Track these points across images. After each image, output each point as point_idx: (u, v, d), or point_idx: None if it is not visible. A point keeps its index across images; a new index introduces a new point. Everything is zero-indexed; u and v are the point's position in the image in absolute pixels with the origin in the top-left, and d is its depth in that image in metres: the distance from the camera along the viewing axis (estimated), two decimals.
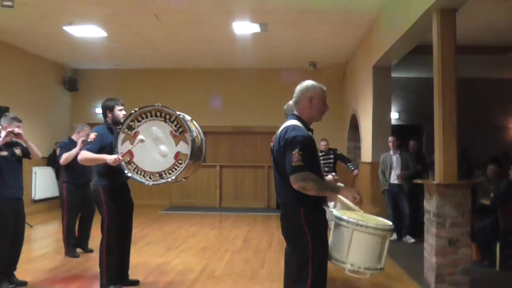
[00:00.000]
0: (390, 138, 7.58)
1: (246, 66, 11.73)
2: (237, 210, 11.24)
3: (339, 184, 3.84)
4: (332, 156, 9.04)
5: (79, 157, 4.44)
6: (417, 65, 9.84)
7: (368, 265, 3.00)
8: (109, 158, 4.27)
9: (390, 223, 3.25)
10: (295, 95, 3.12)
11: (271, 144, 3.26)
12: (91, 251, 6.40)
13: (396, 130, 8.70)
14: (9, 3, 6.32)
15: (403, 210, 7.47)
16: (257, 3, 7.15)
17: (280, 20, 7.93)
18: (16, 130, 4.70)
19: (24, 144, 4.88)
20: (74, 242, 6.32)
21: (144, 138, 4.27)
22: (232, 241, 7.46)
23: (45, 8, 7.39)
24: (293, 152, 2.82)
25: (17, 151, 4.83)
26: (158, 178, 4.29)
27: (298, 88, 3.12)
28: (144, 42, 9.53)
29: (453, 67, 4.99)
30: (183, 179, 4.58)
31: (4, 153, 4.69)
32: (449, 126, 4.94)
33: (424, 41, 6.40)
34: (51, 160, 10.58)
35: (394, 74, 8.74)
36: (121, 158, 4.25)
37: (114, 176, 4.42)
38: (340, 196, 3.06)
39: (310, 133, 3.03)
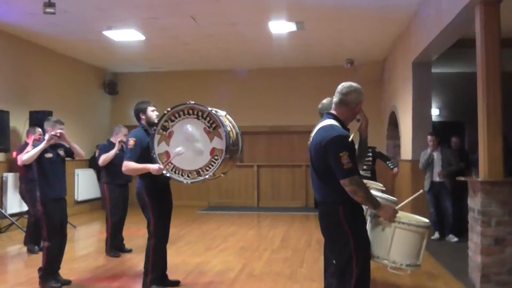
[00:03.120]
0: (429, 138, 7.39)
1: (282, 65, 11.70)
2: (275, 209, 11.23)
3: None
4: (370, 154, 8.90)
5: (123, 168, 4.48)
6: (459, 60, 9.57)
7: (409, 262, 3.06)
8: (153, 167, 4.31)
9: (427, 220, 3.26)
10: (342, 96, 3.07)
11: (309, 143, 3.24)
12: (130, 251, 6.52)
13: (437, 127, 8.49)
14: (51, 10, 6.50)
15: (446, 208, 7.28)
16: (293, 2, 7.11)
17: (316, 18, 7.87)
18: (59, 131, 4.85)
19: (67, 145, 5.03)
20: (116, 242, 6.45)
21: (183, 151, 4.28)
22: (270, 241, 7.45)
23: (85, 14, 7.59)
24: (341, 154, 2.80)
25: (61, 152, 4.99)
26: (196, 175, 4.30)
27: (348, 90, 3.07)
28: (180, 45, 9.65)
29: (498, 61, 4.81)
30: (222, 175, 4.58)
31: (50, 155, 4.86)
32: (494, 122, 4.77)
33: (466, 34, 6.20)
34: (93, 162, 10.87)
35: (434, 70, 8.51)
36: (162, 167, 4.28)
37: (156, 177, 4.46)
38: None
39: (348, 133, 3.00)
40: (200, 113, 4.30)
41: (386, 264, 3.05)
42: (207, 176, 4.28)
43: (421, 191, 3.70)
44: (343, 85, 3.10)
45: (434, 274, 5.37)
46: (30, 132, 6.72)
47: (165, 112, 4.34)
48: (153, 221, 4.51)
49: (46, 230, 4.82)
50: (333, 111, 3.11)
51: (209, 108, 4.29)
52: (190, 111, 4.31)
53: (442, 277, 5.29)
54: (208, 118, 4.28)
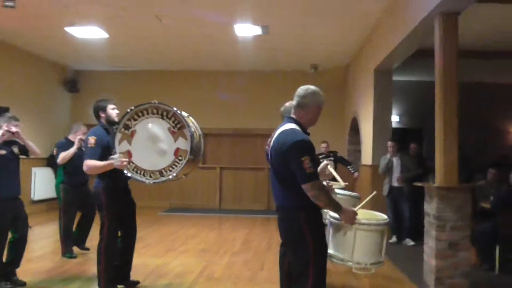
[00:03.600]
0: (389, 143, 7.58)
1: (248, 68, 11.73)
2: (237, 212, 11.23)
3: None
4: (332, 158, 9.04)
5: (85, 168, 4.35)
6: (419, 68, 9.84)
7: (373, 260, 3.11)
8: (116, 162, 4.22)
9: (385, 216, 3.33)
10: (299, 99, 3.06)
11: (266, 147, 3.24)
12: (87, 249, 6.38)
13: (397, 133, 8.71)
14: (11, 4, 6.33)
15: (403, 212, 7.46)
16: (258, 5, 7.15)
17: (281, 22, 7.94)
18: (14, 128, 4.70)
19: (21, 143, 4.87)
20: (72, 243, 6.30)
21: (117, 157, 4.19)
22: (231, 243, 7.44)
23: (46, 9, 7.40)
24: (303, 158, 2.80)
25: (15, 150, 4.83)
26: (159, 176, 4.25)
27: (305, 92, 3.06)
28: (145, 44, 9.54)
29: (455, 71, 4.99)
30: (183, 176, 4.54)
31: (3, 151, 4.69)
32: (450, 130, 4.94)
33: (426, 44, 6.39)
34: (51, 161, 10.58)
35: (395, 78, 8.73)
36: (123, 161, 4.18)
37: (115, 177, 4.38)
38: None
39: (308, 137, 3.02)
40: (164, 113, 4.24)
41: (351, 265, 3.09)
42: (170, 177, 4.23)
43: (374, 192, 3.79)
44: (301, 88, 3.10)
45: (391, 277, 5.49)
46: None
47: (128, 110, 4.25)
48: (106, 223, 4.42)
49: None
50: (292, 115, 3.11)
51: (174, 108, 4.25)
52: (154, 111, 4.25)
53: (398, 280, 5.41)
54: (173, 118, 4.23)
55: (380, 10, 7.14)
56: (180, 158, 4.21)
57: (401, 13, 6.31)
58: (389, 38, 6.95)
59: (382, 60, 7.52)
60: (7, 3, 6.30)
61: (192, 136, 4.18)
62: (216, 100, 11.99)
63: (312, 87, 3.10)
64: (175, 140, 4.23)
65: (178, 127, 4.22)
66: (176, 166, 4.22)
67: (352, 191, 5.29)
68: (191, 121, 4.47)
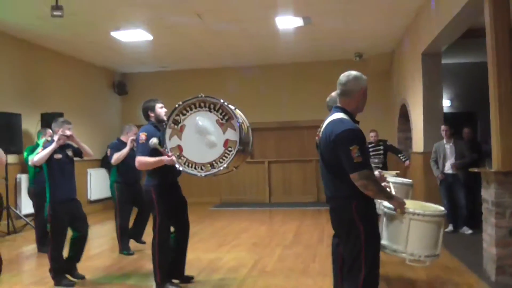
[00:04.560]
0: (443, 127, 7.32)
1: (290, 60, 11.66)
2: (287, 205, 11.22)
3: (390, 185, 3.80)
4: (382, 147, 8.87)
5: (137, 164, 4.45)
6: (469, 49, 9.47)
7: (428, 253, 3.02)
8: (167, 158, 4.30)
9: (442, 208, 3.22)
10: (342, 86, 3.02)
11: (316, 138, 3.22)
12: (144, 242, 6.55)
13: (449, 118, 8.42)
14: (59, 13, 6.52)
15: (459, 200, 7.21)
16: None
17: (323, 12, 7.82)
18: (67, 132, 4.87)
19: (75, 145, 5.05)
20: (128, 240, 6.48)
21: (155, 141, 4.28)
22: (282, 236, 7.44)
23: (92, 16, 7.63)
24: (351, 148, 2.77)
25: (69, 153, 5.03)
26: (210, 168, 4.28)
27: (347, 79, 3.02)
28: (187, 43, 9.66)
29: (508, 50, 4.74)
30: (234, 168, 4.55)
31: (59, 156, 4.89)
32: (506, 112, 4.71)
33: (475, 24, 6.13)
34: (104, 162, 10.94)
35: (444, 61, 8.43)
36: (171, 156, 4.26)
37: (165, 174, 4.45)
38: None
39: (357, 125, 2.97)
40: (212, 106, 4.27)
41: (405, 257, 3.02)
42: (221, 168, 4.25)
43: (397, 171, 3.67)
44: (342, 76, 3.06)
45: (449, 267, 5.32)
46: (41, 134, 6.77)
47: (176, 106, 4.32)
48: (158, 220, 4.50)
49: (51, 231, 4.85)
50: (339, 104, 3.07)
51: (221, 100, 4.27)
52: (202, 104, 4.30)
53: (456, 269, 5.24)
54: (220, 110, 4.26)
55: None
56: (230, 149, 4.23)
57: None
58: (436, 19, 6.70)
59: (430, 43, 7.26)
60: (55, 13, 6.50)
61: (240, 126, 4.19)
62: (260, 94, 12.01)
63: (353, 72, 3.05)
64: (224, 132, 4.26)
65: (226, 119, 4.24)
66: (226, 157, 4.24)
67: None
68: (238, 113, 4.49)
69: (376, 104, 10.73)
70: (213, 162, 4.26)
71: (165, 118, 4.56)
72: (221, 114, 4.25)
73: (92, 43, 9.43)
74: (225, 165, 4.22)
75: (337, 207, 2.99)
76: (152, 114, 4.67)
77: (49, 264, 4.90)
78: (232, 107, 4.43)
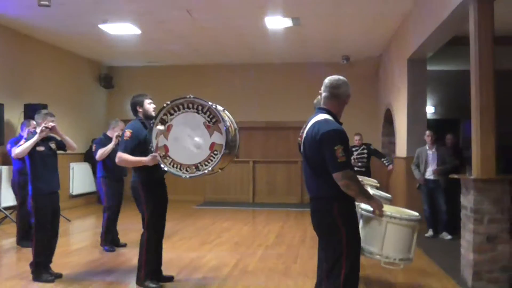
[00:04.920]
0: (427, 133, 7.41)
1: (279, 60, 11.69)
2: (270, 205, 11.25)
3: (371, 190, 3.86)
4: (365, 151, 8.95)
5: (117, 160, 4.45)
6: (454, 57, 9.58)
7: (402, 256, 3.09)
8: (147, 159, 4.29)
9: (417, 213, 3.28)
10: (333, 89, 3.08)
11: (299, 139, 3.26)
12: (125, 245, 6.52)
13: (432, 125, 8.53)
14: (46, 3, 6.47)
15: (440, 206, 7.29)
16: None
17: (312, 13, 7.86)
18: (50, 124, 4.83)
19: (58, 138, 5.01)
20: (112, 236, 6.45)
21: (163, 128, 4.25)
22: (265, 237, 7.46)
23: (81, 6, 7.56)
24: (335, 148, 2.82)
25: (52, 145, 4.98)
26: (195, 170, 4.28)
27: (337, 82, 3.09)
28: (177, 38, 9.62)
29: (491, 58, 4.82)
30: (219, 170, 4.56)
31: (41, 148, 4.84)
32: (487, 120, 4.79)
33: (460, 32, 6.22)
34: (88, 156, 10.85)
35: (429, 67, 8.53)
36: (156, 154, 4.26)
37: (152, 171, 4.44)
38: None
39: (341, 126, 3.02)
40: (200, 107, 4.27)
41: (379, 259, 3.07)
42: (206, 171, 4.25)
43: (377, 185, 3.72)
44: (330, 79, 3.12)
45: (427, 271, 5.39)
46: (24, 125, 6.70)
47: (164, 105, 4.31)
48: (147, 215, 4.49)
49: (35, 224, 4.81)
50: (324, 106, 3.11)
51: (209, 103, 4.27)
52: (190, 105, 4.28)
53: (435, 274, 5.31)
54: (208, 113, 4.25)
55: None
56: (215, 152, 4.24)
57: (434, 1, 6.14)
58: (422, 26, 6.79)
59: (416, 49, 7.36)
60: (42, 2, 6.44)
61: (227, 130, 4.19)
62: (247, 93, 12.02)
63: (342, 78, 3.14)
64: (211, 135, 4.25)
65: (213, 122, 4.24)
66: (211, 160, 4.24)
67: (386, 188, 5.23)
68: (226, 115, 4.48)
69: (361, 108, 10.85)
70: (198, 164, 4.26)
71: (153, 114, 4.54)
72: (208, 116, 4.25)
73: (80, 34, 9.34)
74: (210, 168, 4.23)
75: (319, 207, 3.01)
76: (140, 110, 4.64)
77: (32, 258, 4.85)
78: (221, 108, 4.43)
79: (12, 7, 7.56)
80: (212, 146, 4.24)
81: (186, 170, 4.29)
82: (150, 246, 4.52)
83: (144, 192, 4.49)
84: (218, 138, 4.23)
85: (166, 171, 4.38)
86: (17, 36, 9.06)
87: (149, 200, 4.49)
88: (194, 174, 4.29)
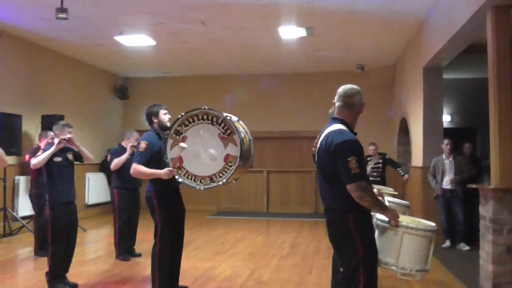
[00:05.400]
0: (446, 141, 7.32)
1: (292, 70, 11.70)
2: (284, 215, 11.19)
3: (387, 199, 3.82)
4: (381, 160, 8.86)
5: (132, 171, 4.43)
6: (471, 65, 9.50)
7: (418, 267, 3.03)
8: (162, 173, 4.27)
9: (433, 223, 3.23)
10: (347, 99, 3.05)
11: (313, 149, 3.23)
12: (139, 255, 6.53)
13: (449, 133, 8.42)
14: (64, 15, 6.56)
15: (457, 216, 7.19)
16: (303, 7, 7.11)
17: (326, 23, 7.86)
18: (68, 136, 4.87)
19: (75, 149, 5.05)
20: (125, 246, 6.46)
21: (185, 146, 4.25)
22: (279, 247, 7.42)
23: (97, 19, 7.66)
24: (349, 159, 2.79)
25: (70, 156, 5.02)
26: (209, 182, 4.26)
27: (351, 92, 3.05)
28: (191, 50, 9.69)
29: (509, 66, 4.76)
30: (233, 181, 4.53)
31: (59, 159, 4.89)
32: (506, 128, 4.71)
33: (477, 40, 6.15)
34: (104, 166, 10.94)
35: (446, 75, 8.45)
36: (173, 169, 4.25)
37: (167, 182, 4.41)
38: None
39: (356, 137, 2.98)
40: (214, 119, 4.25)
41: (395, 270, 3.02)
42: (220, 183, 4.23)
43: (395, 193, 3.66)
44: (344, 88, 3.08)
45: (445, 283, 5.30)
46: (42, 136, 6.79)
47: (179, 116, 4.30)
48: (160, 227, 4.47)
49: (51, 234, 4.84)
50: (338, 116, 3.08)
51: (224, 114, 4.26)
52: (205, 116, 4.26)
53: (452, 286, 5.22)
54: (222, 124, 4.23)
55: (427, 6, 6.93)
56: (230, 164, 4.21)
57: (451, 8, 6.10)
58: (438, 34, 6.73)
59: (432, 58, 7.29)
60: (60, 15, 6.53)
61: (241, 142, 4.17)
62: (261, 103, 12.03)
63: (355, 87, 3.10)
64: (225, 146, 4.23)
65: (228, 133, 4.23)
66: (226, 172, 4.22)
67: (402, 198, 5.16)
68: (241, 126, 4.46)
69: (376, 117, 10.78)
70: (213, 176, 4.24)
71: (168, 124, 4.53)
72: (223, 128, 4.23)
73: (96, 46, 9.47)
74: (224, 180, 4.20)
75: (335, 219, 2.97)
76: (155, 120, 4.64)
77: (48, 268, 4.87)
78: (236, 119, 4.41)
79: (30, 19, 7.69)
80: (227, 157, 4.22)
81: (201, 182, 4.27)
82: (163, 257, 4.48)
83: (158, 203, 4.47)
84: (233, 150, 4.21)
85: (180, 182, 4.37)
86: (35, 48, 9.20)
87: (164, 211, 4.47)
88: (209, 186, 4.27)
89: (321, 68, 11.46)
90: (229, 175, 4.20)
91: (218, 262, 6.29)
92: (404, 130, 9.95)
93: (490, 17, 4.85)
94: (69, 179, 5.00)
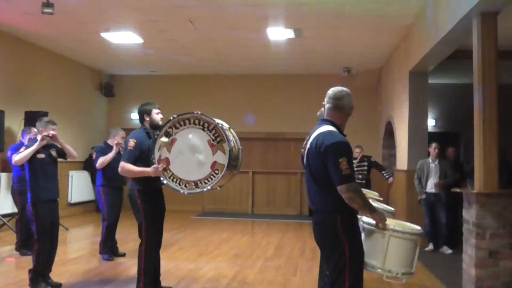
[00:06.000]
0: (434, 145, 7.38)
1: (280, 71, 11.71)
2: (270, 216, 11.19)
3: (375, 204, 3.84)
4: (366, 163, 8.92)
5: (120, 170, 4.39)
6: (456, 70, 9.59)
7: (404, 270, 3.06)
8: (150, 170, 4.24)
9: (419, 227, 3.26)
10: (336, 101, 3.05)
11: (302, 150, 3.23)
12: (124, 255, 6.47)
13: (433, 138, 8.51)
14: (49, 10, 6.48)
15: (440, 219, 7.26)
16: (291, 9, 7.12)
17: (314, 25, 7.88)
18: (51, 132, 4.81)
19: (59, 146, 4.98)
20: (111, 244, 6.40)
21: (167, 140, 4.22)
22: (264, 248, 7.41)
23: (83, 15, 7.57)
24: (340, 160, 2.79)
25: (53, 153, 4.96)
26: (194, 187, 4.25)
27: (340, 94, 3.06)
28: (178, 48, 9.63)
29: (494, 72, 4.82)
30: (218, 188, 4.53)
31: (42, 155, 4.82)
32: (490, 134, 4.77)
33: (463, 45, 6.22)
34: (87, 164, 10.83)
35: (431, 80, 8.53)
36: (159, 166, 4.22)
37: (150, 180, 4.39)
38: None
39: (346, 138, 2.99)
40: (206, 125, 4.24)
41: (381, 273, 3.04)
42: (204, 189, 4.24)
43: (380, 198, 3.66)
44: (334, 90, 3.09)
45: (428, 286, 5.34)
46: (25, 132, 6.68)
47: (171, 118, 4.28)
48: (144, 225, 4.43)
49: (36, 232, 4.77)
50: (328, 117, 3.09)
51: (216, 121, 4.25)
52: (196, 121, 4.26)
53: None
54: (213, 131, 4.23)
55: (415, 11, 6.99)
56: (216, 172, 4.21)
57: (437, 14, 6.16)
58: (425, 39, 6.79)
59: (418, 62, 7.35)
60: (46, 10, 6.45)
61: (230, 151, 4.17)
62: (248, 103, 12.02)
63: (345, 89, 3.11)
64: (214, 153, 4.23)
65: (217, 141, 4.22)
66: (211, 179, 4.22)
67: (386, 201, 5.19)
68: (232, 134, 4.46)
69: (362, 120, 10.83)
70: (198, 182, 4.24)
71: (160, 124, 4.51)
72: (213, 135, 4.22)
73: (82, 42, 9.35)
74: (209, 187, 4.21)
75: (322, 220, 2.97)
76: (147, 118, 4.59)
77: (33, 265, 4.80)
78: (227, 127, 4.41)
79: (14, 13, 7.57)
80: (214, 165, 4.22)
81: (185, 186, 4.27)
82: (149, 255, 4.45)
83: (141, 201, 4.43)
84: (221, 158, 4.21)
85: (164, 184, 4.35)
86: (19, 43, 9.07)
87: (147, 209, 4.43)
88: (193, 191, 4.27)
89: (309, 70, 11.49)
90: (215, 182, 4.21)
91: (203, 263, 6.25)
92: (389, 133, 10.03)
93: (477, 23, 4.90)
94: (52, 177, 4.93)
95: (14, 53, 8.96)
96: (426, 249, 7.22)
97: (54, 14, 6.64)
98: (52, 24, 8.02)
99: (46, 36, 8.95)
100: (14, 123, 8.70)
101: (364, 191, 3.74)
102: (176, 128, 4.29)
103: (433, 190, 7.28)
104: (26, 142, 6.31)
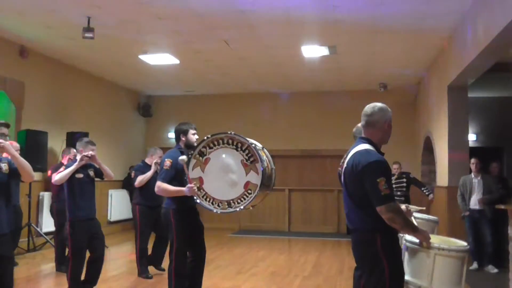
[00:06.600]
0: (473, 160, 7.17)
1: (315, 89, 11.69)
2: (306, 234, 11.07)
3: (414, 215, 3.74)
4: (404, 180, 8.71)
5: (156, 189, 4.46)
6: (497, 84, 9.35)
7: None
8: (186, 190, 4.29)
9: (465, 243, 3.12)
10: (367, 117, 3.02)
11: (339, 169, 3.19)
12: (163, 270, 6.49)
13: (474, 153, 8.27)
14: (90, 35, 6.71)
15: (485, 237, 6.99)
16: (325, 26, 7.12)
17: (349, 42, 7.85)
18: (90, 153, 4.93)
19: (97, 166, 5.10)
20: (147, 263, 6.45)
21: (185, 158, 4.25)
22: (301, 266, 7.31)
23: (122, 38, 7.80)
24: (378, 180, 2.74)
25: (91, 173, 5.07)
26: (227, 206, 4.27)
27: (372, 110, 3.02)
28: (214, 68, 9.77)
29: None
30: (251, 207, 4.53)
31: (80, 175, 4.94)
32: None
33: (503, 58, 6.06)
34: (126, 183, 11.01)
35: (471, 94, 8.32)
36: (193, 186, 4.25)
37: (185, 199, 4.43)
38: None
39: (383, 157, 2.93)
40: (239, 145, 4.27)
41: None
42: (237, 209, 4.25)
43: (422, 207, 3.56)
44: (367, 107, 3.06)
45: None
46: (65, 153, 6.87)
47: (205, 138, 4.34)
48: (175, 245, 4.45)
49: (71, 250, 4.87)
50: (364, 135, 3.05)
51: (249, 141, 4.26)
52: (230, 141, 4.30)
53: None
54: (247, 151, 4.25)
55: (451, 25, 6.87)
56: (249, 191, 4.22)
57: (476, 26, 6.03)
58: (463, 52, 6.65)
59: (457, 76, 7.19)
60: (86, 35, 6.69)
61: (263, 171, 4.17)
62: (283, 121, 12.03)
63: (378, 104, 3.06)
64: (247, 173, 4.24)
65: (250, 161, 4.23)
66: (244, 199, 4.23)
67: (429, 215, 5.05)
68: (265, 154, 4.47)
69: (400, 136, 10.61)
70: (231, 201, 4.25)
71: (194, 144, 4.57)
72: (247, 155, 4.24)
73: (120, 65, 9.63)
74: (241, 207, 4.22)
75: (361, 240, 2.91)
76: (183, 138, 4.66)
77: (68, 283, 4.88)
78: (260, 146, 4.42)
79: (57, 38, 7.86)
80: (247, 185, 4.23)
81: (218, 205, 4.28)
82: (179, 274, 4.46)
83: (175, 220, 4.47)
84: (254, 178, 4.22)
85: (197, 203, 4.37)
86: (61, 66, 9.40)
87: (179, 228, 4.46)
88: (226, 211, 4.29)
89: (344, 87, 11.42)
90: (247, 202, 4.22)
91: (240, 281, 6.22)
92: (428, 149, 9.80)
93: None
94: (89, 196, 5.03)
95: (56, 76, 9.30)
96: (471, 268, 6.95)
97: (94, 38, 6.86)
98: (92, 48, 8.29)
99: (86, 60, 9.25)
100: (57, 143, 8.98)
101: (409, 206, 3.65)
102: (210, 148, 4.33)
103: (477, 207, 7.04)
104: (65, 162, 6.49)
